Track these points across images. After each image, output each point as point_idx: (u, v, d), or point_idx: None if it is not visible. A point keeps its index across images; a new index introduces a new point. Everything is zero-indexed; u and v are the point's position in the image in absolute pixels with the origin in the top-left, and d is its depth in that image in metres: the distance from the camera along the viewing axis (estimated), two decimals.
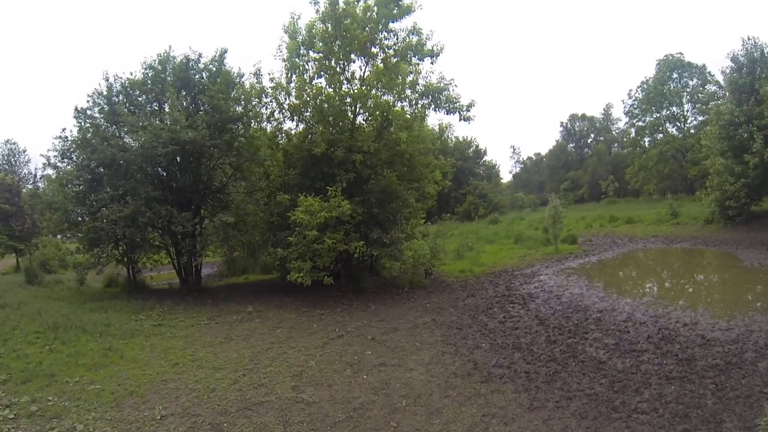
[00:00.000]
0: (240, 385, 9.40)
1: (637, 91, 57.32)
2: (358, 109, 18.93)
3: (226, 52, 19.18)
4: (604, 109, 76.90)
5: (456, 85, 19.67)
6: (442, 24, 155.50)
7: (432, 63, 19.62)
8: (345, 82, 18.82)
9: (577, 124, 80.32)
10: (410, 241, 19.06)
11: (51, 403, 8.34)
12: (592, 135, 79.06)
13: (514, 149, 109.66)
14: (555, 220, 27.89)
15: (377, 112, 18.85)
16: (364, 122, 19.91)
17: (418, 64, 19.34)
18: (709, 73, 52.55)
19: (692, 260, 23.92)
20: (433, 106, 19.53)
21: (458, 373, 9.83)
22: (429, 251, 19.91)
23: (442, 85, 18.99)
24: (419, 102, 19.39)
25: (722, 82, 37.00)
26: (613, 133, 72.51)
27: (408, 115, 18.83)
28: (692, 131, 50.74)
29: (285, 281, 16.79)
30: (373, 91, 18.59)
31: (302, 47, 18.68)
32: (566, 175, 73.64)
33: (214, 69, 18.84)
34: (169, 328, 13.59)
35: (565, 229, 34.73)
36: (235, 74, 18.91)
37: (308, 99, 18.57)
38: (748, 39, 30.00)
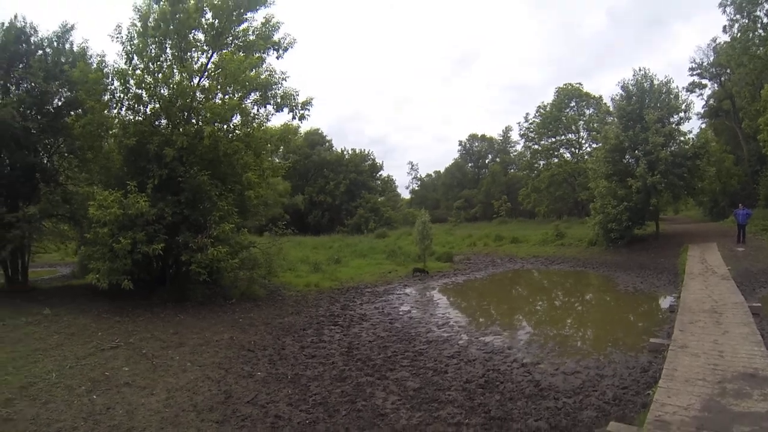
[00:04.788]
0: None
1: (535, 115, 57.35)
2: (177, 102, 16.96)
3: (72, 28, 17.21)
4: (503, 131, 76.97)
5: (285, 79, 18.00)
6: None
7: (278, 57, 18.25)
8: (185, 74, 17.03)
9: (476, 144, 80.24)
10: (246, 250, 17.31)
11: None
12: (490, 156, 79.06)
13: (413, 165, 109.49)
14: (423, 236, 26.47)
15: (185, 101, 16.89)
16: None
17: (263, 58, 17.88)
18: (605, 104, 52.79)
19: (565, 283, 23.06)
20: (269, 102, 18.16)
21: (199, 406, 8.14)
22: (263, 261, 18.40)
23: (273, 79, 17.54)
24: (249, 97, 17.74)
25: (612, 109, 36.77)
26: (511, 155, 72.10)
27: (225, 108, 16.86)
28: (586, 157, 50.80)
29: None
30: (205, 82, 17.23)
31: (149, 30, 16.84)
32: (460, 193, 73.38)
33: (56, 46, 16.92)
34: None
35: (447, 246, 34.67)
36: (77, 53, 17.02)
37: (150, 87, 16.71)
38: (639, 70, 30.22)
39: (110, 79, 16.81)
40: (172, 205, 15.35)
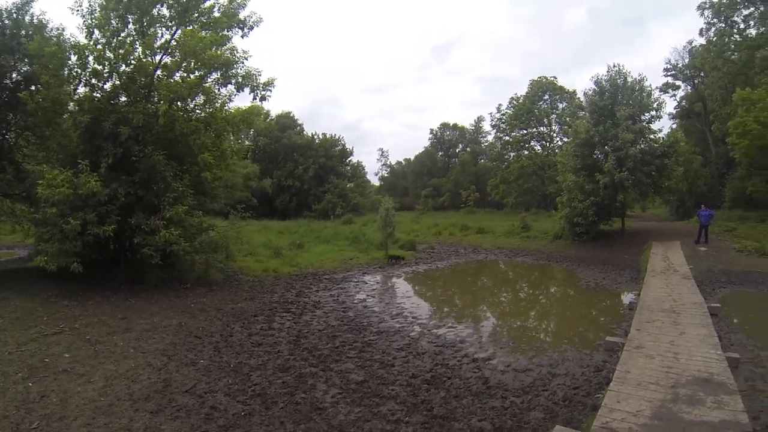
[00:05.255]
0: None
1: (508, 106, 57.43)
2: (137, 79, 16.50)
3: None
4: (475, 121, 76.86)
5: (247, 58, 17.60)
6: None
7: (243, 36, 17.75)
8: (148, 50, 16.56)
9: (447, 133, 79.98)
10: (204, 233, 17.28)
11: None
12: (461, 145, 78.85)
13: (383, 152, 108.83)
14: (386, 224, 26.10)
15: (142, 79, 16.40)
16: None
17: (228, 36, 17.48)
18: (579, 99, 53.13)
19: (526, 277, 22.90)
20: (230, 82, 17.75)
21: (135, 395, 7.85)
22: (221, 245, 18.47)
23: (234, 58, 17.13)
24: (210, 76, 17.24)
25: (584, 104, 36.76)
26: (482, 145, 72.19)
27: (183, 87, 16.35)
28: (556, 150, 51.00)
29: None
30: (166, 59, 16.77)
31: (111, 3, 16.23)
32: (429, 181, 73.24)
33: (15, 18, 16.23)
34: None
35: (412, 234, 34.47)
36: (36, 26, 16.30)
37: (110, 62, 16.17)
38: (614, 66, 30.12)
39: (68, 54, 16.13)
40: (126, 186, 14.85)
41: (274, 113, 65.79)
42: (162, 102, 16.23)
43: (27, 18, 16.34)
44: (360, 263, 23.32)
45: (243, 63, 17.29)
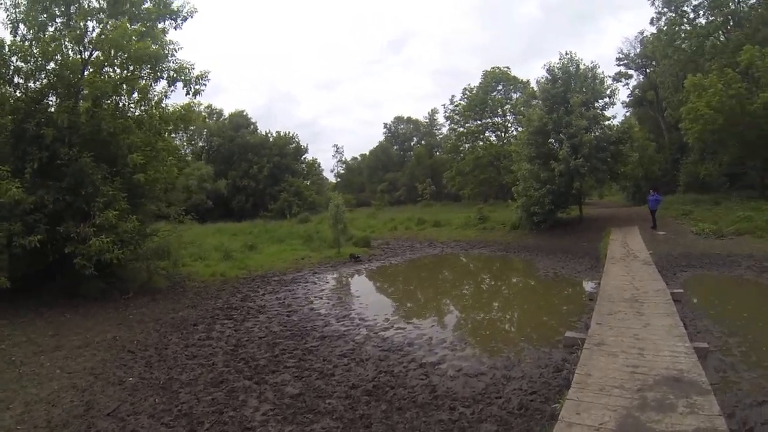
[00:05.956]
0: None
1: (461, 98, 57.17)
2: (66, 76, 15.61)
3: None
4: (429, 113, 76.42)
5: (176, 50, 16.82)
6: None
7: (176, 28, 17.18)
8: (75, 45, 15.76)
9: (402, 126, 79.65)
10: (144, 239, 16.49)
11: None
12: (416, 138, 78.65)
13: (338, 148, 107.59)
14: (337, 221, 25.89)
15: (71, 76, 15.48)
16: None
17: (164, 29, 16.95)
18: (532, 88, 52.42)
19: (483, 270, 22.46)
20: (162, 77, 16.80)
21: (54, 421, 7.27)
22: (163, 251, 18.01)
23: (162, 51, 16.18)
24: (138, 69, 16.28)
25: (537, 92, 36.59)
26: (437, 137, 72.04)
27: (106, 83, 15.46)
28: (512, 140, 50.52)
29: None
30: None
31: None
32: (385, 176, 72.86)
33: None
34: None
35: (368, 230, 34.58)
36: None
37: (36, 59, 15.28)
38: (566, 53, 30.09)
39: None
40: (54, 192, 14.00)
41: (227, 112, 64.71)
42: (84, 100, 15.41)
43: None
44: (312, 263, 22.67)
45: (174, 56, 16.51)
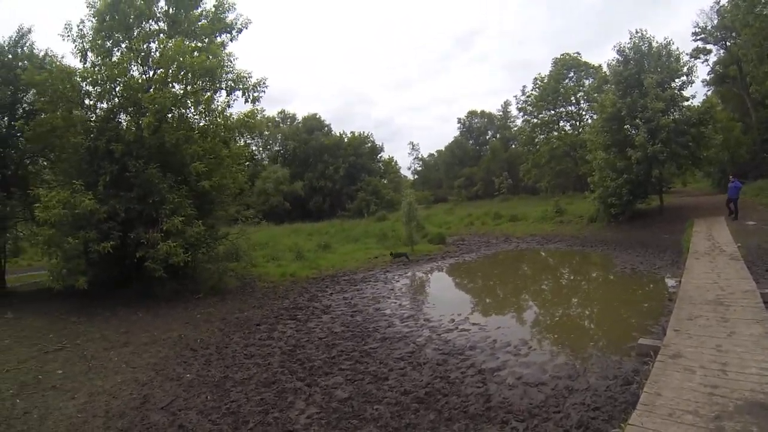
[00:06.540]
0: None
1: (533, 88, 55.72)
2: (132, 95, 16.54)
3: (29, 31, 17.31)
4: (502, 106, 75.49)
5: (232, 61, 17.56)
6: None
7: (232, 40, 18.14)
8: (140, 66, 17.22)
9: (476, 120, 78.80)
10: (212, 242, 17.43)
11: None
12: (490, 132, 77.65)
13: (413, 146, 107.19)
14: (410, 218, 25.64)
15: (137, 95, 16.26)
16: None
17: (223, 42, 18.07)
18: (605, 73, 49.98)
19: (557, 266, 21.71)
20: (221, 88, 17.62)
21: (111, 412, 7.89)
22: (233, 253, 18.98)
23: (219, 62, 16.76)
24: (197, 82, 16.95)
25: (608, 76, 34.74)
26: (511, 130, 69.78)
27: (165, 97, 16.09)
28: (587, 128, 48.28)
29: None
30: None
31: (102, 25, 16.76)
32: (461, 171, 72.01)
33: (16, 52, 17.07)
34: None
35: (444, 226, 34.74)
36: (27, 55, 17.07)
37: (104, 83, 16.33)
38: (636, 32, 28.34)
39: (60, 79, 16.13)
40: (125, 202, 14.95)
41: (299, 116, 67.03)
42: (147, 115, 15.96)
43: (24, 50, 16.91)
44: (384, 261, 22.75)
45: (231, 66, 17.19)
